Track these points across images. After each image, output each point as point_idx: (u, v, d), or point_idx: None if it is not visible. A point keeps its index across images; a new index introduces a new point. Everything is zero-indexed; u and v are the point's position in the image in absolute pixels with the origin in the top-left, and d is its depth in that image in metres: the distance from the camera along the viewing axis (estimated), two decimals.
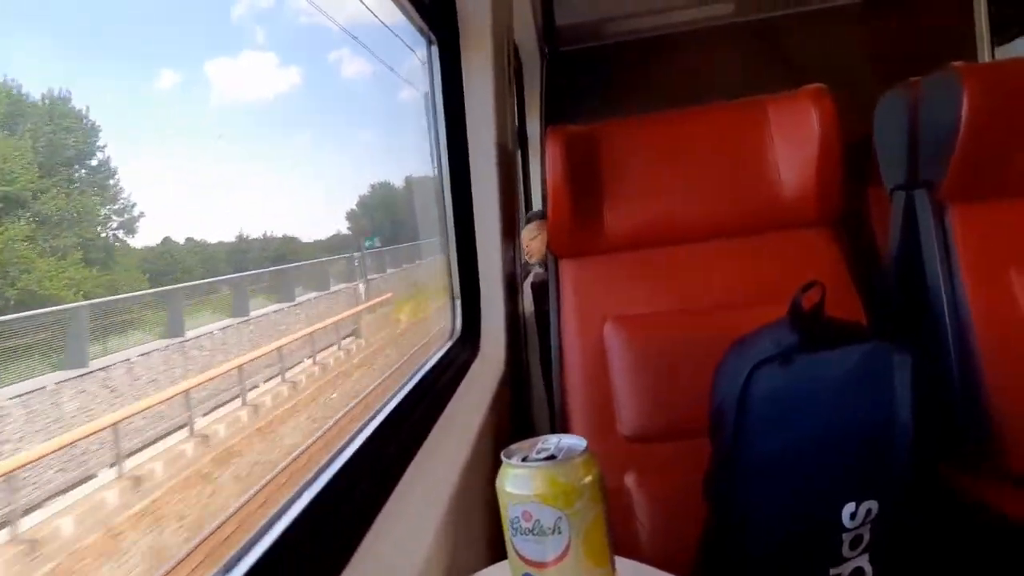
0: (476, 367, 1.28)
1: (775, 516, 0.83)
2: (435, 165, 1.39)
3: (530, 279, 1.65)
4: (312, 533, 0.60)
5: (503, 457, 0.52)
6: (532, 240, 2.15)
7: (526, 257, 2.08)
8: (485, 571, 0.64)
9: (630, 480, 1.09)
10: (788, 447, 0.82)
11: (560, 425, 1.19)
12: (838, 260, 1.19)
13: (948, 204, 1.19)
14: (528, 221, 2.29)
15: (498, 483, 0.52)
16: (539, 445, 0.53)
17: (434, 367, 1.16)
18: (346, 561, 0.57)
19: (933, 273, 1.19)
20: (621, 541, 0.52)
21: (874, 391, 0.81)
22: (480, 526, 0.84)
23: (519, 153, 2.39)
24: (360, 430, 0.82)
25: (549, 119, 2.87)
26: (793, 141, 1.20)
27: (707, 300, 1.16)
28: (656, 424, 1.11)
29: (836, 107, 1.17)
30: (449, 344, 1.34)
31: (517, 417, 1.39)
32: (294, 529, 0.58)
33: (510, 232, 1.43)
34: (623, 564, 0.54)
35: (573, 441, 0.53)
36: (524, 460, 0.51)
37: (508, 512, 0.51)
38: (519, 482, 0.50)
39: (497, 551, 0.55)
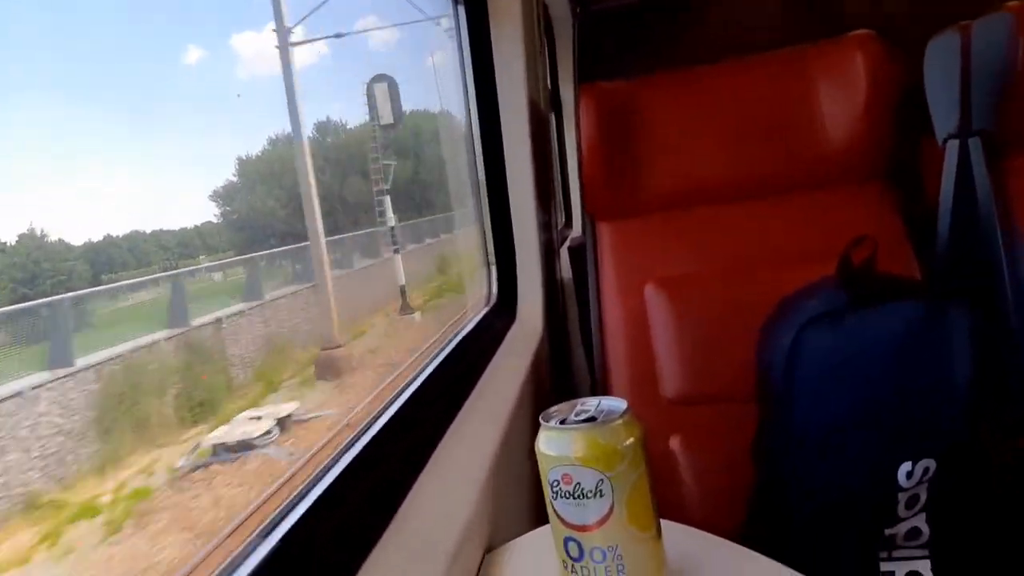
0: (513, 333, 1.26)
1: (828, 478, 0.80)
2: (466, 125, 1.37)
3: (567, 243, 1.62)
4: (351, 496, 0.60)
5: (541, 420, 0.51)
6: None
7: None
8: (528, 535, 0.64)
9: (675, 443, 1.08)
10: (840, 408, 0.79)
11: (601, 390, 1.17)
12: (889, 215, 1.13)
13: (1004, 153, 1.13)
14: None
15: (536, 446, 0.50)
16: (578, 407, 0.52)
17: (470, 334, 1.16)
18: (386, 524, 0.57)
19: (990, 225, 1.12)
20: (667, 504, 0.51)
21: (930, 348, 0.78)
22: (521, 491, 0.83)
23: (553, 117, 2.34)
24: (396, 396, 0.82)
25: (582, 81, 2.80)
26: (840, 91, 1.14)
27: (751, 260, 1.13)
28: (700, 387, 1.08)
29: (885, 53, 1.11)
30: (485, 311, 1.33)
31: (557, 383, 1.38)
32: (333, 491, 0.58)
33: (545, 195, 1.41)
34: (669, 527, 0.53)
35: (613, 403, 0.51)
36: (563, 423, 0.50)
37: (548, 475, 0.49)
38: (558, 444, 0.49)
39: (539, 515, 0.54)
